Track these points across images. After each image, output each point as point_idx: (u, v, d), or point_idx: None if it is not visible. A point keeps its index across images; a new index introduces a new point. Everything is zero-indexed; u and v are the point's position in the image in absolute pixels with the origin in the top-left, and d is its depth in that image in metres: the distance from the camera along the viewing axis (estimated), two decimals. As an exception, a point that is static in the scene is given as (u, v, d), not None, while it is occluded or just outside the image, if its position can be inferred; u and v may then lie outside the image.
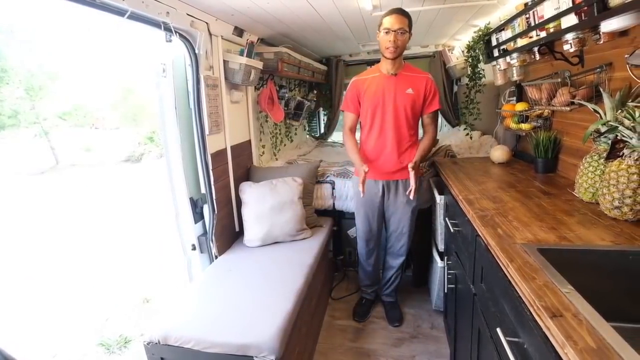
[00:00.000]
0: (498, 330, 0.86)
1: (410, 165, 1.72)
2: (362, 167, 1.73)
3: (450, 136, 3.16)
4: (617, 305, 0.85)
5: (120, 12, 1.28)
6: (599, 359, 0.54)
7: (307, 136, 4.24)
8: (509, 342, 0.81)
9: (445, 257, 1.82)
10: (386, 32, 1.65)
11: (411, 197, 1.78)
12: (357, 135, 2.01)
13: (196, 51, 1.75)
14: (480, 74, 2.61)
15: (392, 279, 2.13)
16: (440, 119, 3.87)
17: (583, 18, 1.09)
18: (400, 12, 1.64)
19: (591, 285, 0.79)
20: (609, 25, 1.02)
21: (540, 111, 1.80)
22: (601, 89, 1.19)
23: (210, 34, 1.83)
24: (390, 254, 2.10)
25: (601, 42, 1.15)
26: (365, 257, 2.13)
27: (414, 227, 2.02)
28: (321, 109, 4.06)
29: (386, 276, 2.16)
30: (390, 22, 1.64)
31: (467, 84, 2.77)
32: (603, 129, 1.11)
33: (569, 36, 1.22)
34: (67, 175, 9.97)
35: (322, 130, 4.24)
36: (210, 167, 1.90)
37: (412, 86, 1.76)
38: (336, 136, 4.16)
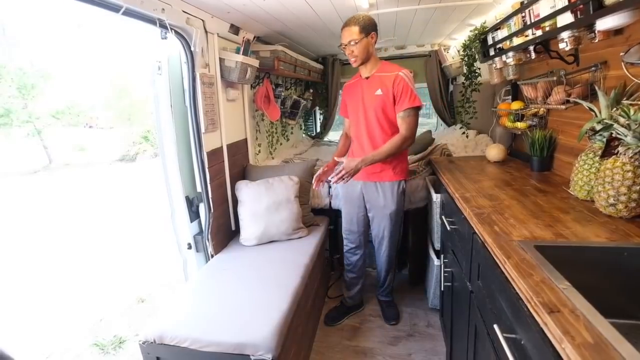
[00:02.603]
0: (495, 326, 0.86)
1: (348, 158, 1.68)
2: (323, 167, 1.87)
3: (446, 135, 3.17)
4: (613, 301, 0.86)
5: (115, 9, 1.27)
6: (596, 354, 0.54)
7: (304, 135, 4.24)
8: (506, 338, 0.81)
9: (442, 255, 1.83)
10: (343, 47, 1.69)
11: (331, 179, 1.65)
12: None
13: (192, 49, 1.74)
14: (477, 72, 2.62)
15: (385, 281, 2.12)
16: (436, 118, 3.89)
17: (579, 16, 1.10)
18: (347, 24, 1.65)
19: (587, 281, 0.79)
20: (604, 24, 1.03)
21: (535, 110, 1.81)
22: (596, 87, 1.20)
23: (206, 32, 1.82)
24: (377, 258, 2.09)
25: (596, 40, 1.16)
26: (347, 258, 2.12)
27: (397, 234, 1.98)
28: (317, 108, 4.06)
29: (379, 278, 2.15)
30: (341, 36, 1.67)
31: (463, 83, 2.78)
32: (598, 127, 1.12)
33: (565, 34, 1.23)
34: (61, 175, 9.86)
35: (318, 130, 4.24)
36: (206, 166, 1.89)
37: (381, 86, 1.72)
38: (332, 135, 4.16)
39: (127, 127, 13.23)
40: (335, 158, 1.90)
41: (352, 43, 1.64)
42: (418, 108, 1.70)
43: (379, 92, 1.73)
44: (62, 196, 7.33)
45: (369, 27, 1.64)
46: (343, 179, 1.64)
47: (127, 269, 3.36)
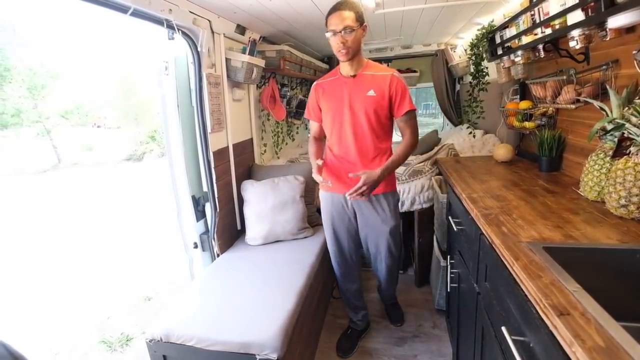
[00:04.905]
0: (503, 329, 0.85)
1: (365, 171, 1.48)
2: (316, 161, 1.55)
3: (453, 135, 3.15)
4: (624, 304, 0.84)
5: (123, 9, 1.28)
6: (608, 358, 0.53)
7: (309, 135, 4.23)
8: (514, 341, 0.80)
9: (448, 256, 1.81)
10: (332, 34, 1.43)
11: (347, 197, 1.49)
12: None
13: (198, 49, 1.75)
14: (484, 71, 2.59)
15: (387, 291, 2.05)
16: (442, 117, 3.87)
17: (590, 14, 1.08)
18: (341, 7, 1.41)
19: (598, 284, 0.78)
20: (616, 21, 1.00)
21: (544, 109, 1.78)
22: (607, 86, 1.18)
23: (213, 32, 1.83)
24: (376, 271, 1.95)
25: (607, 38, 1.14)
26: (342, 281, 1.90)
27: (399, 251, 1.83)
28: (323, 107, 4.05)
29: (379, 286, 2.09)
30: (332, 22, 1.42)
31: (470, 82, 2.75)
32: (609, 126, 1.10)
33: (575, 33, 1.21)
34: (69, 174, 10.00)
35: (324, 129, 4.23)
36: (212, 165, 1.90)
37: (374, 87, 1.52)
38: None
39: (134, 127, 13.39)
40: (318, 162, 1.56)
41: (348, 31, 1.40)
42: (415, 111, 1.59)
43: (371, 92, 1.53)
44: (71, 195, 7.42)
45: (363, 17, 1.45)
46: (363, 195, 1.48)
47: (134, 267, 3.40)
